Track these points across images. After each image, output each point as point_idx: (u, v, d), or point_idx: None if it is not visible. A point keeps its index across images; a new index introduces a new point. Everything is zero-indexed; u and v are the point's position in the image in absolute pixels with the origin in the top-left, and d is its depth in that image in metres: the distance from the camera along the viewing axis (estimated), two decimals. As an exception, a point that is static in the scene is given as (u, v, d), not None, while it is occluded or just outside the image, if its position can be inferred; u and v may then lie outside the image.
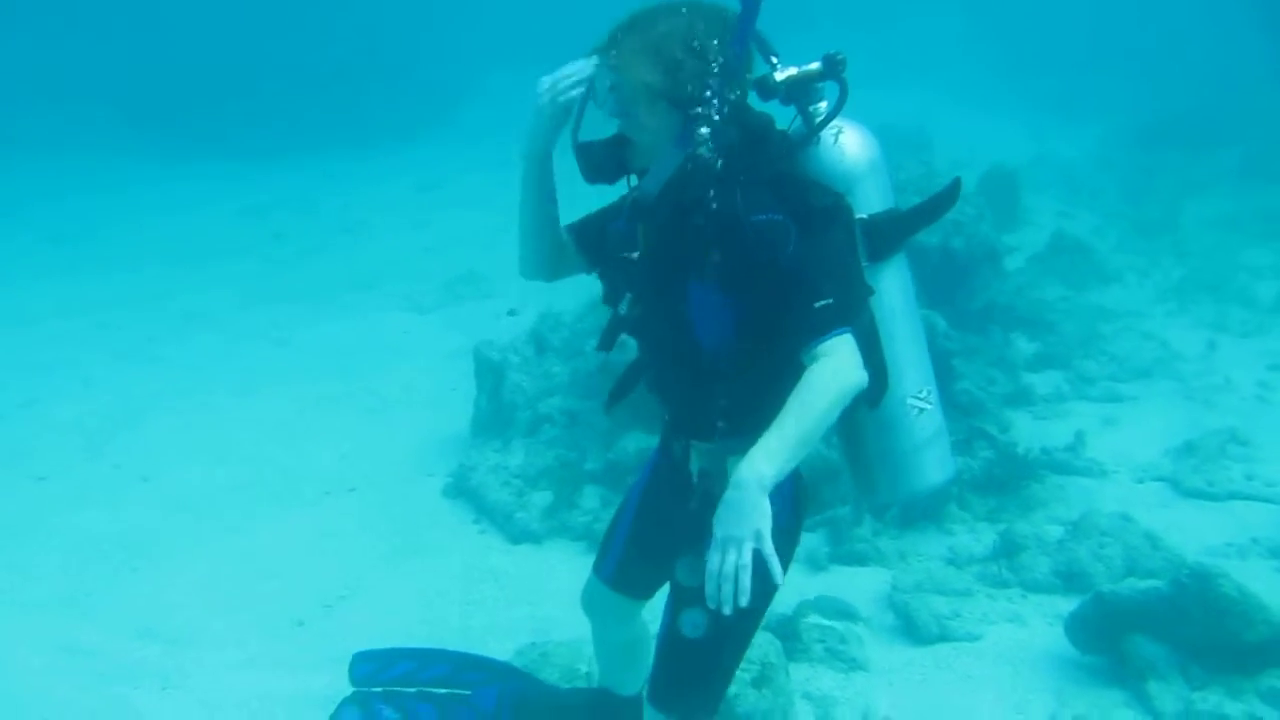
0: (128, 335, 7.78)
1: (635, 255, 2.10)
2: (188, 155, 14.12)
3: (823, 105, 2.06)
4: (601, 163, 2.06)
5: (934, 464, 2.21)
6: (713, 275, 1.97)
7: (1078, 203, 10.74)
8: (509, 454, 5.35)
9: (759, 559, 1.79)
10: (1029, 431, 5.78)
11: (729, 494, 1.81)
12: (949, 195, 2.18)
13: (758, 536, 1.78)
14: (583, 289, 2.28)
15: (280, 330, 7.96)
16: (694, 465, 2.25)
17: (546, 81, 2.05)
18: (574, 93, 2.03)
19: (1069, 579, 4.30)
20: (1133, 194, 10.62)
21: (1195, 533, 4.72)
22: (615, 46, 1.98)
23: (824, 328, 1.89)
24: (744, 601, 1.77)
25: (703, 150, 1.93)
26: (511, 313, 7.61)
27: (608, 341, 2.26)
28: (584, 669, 3.50)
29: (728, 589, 1.77)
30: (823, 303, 1.89)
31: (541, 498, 5.03)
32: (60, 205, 11.96)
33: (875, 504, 4.49)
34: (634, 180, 2.10)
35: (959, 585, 4.32)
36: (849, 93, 2.01)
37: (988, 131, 14.10)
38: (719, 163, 1.94)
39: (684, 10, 1.96)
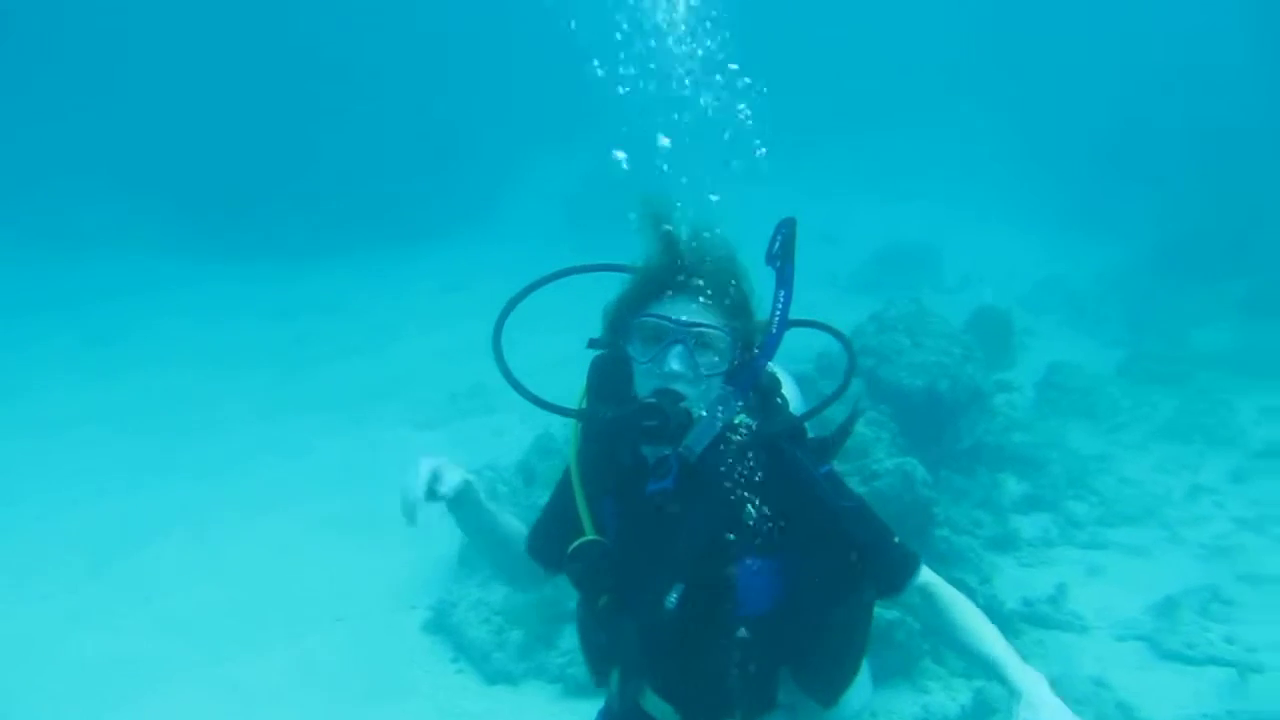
0: (145, 445, 8.06)
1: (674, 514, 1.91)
2: (234, 253, 14.48)
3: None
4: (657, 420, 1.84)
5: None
6: (767, 537, 1.90)
7: (1081, 328, 10.86)
8: (490, 589, 5.47)
9: None
10: (1013, 579, 5.82)
11: (1039, 696, 1.78)
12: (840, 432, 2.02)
13: None
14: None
15: (291, 442, 8.20)
16: None
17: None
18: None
19: (1036, 747, 4.31)
20: (1136, 323, 10.71)
21: (1171, 698, 4.72)
22: (695, 297, 1.89)
23: (914, 561, 1.93)
24: None
25: (740, 414, 1.90)
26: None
27: (594, 581, 1.98)
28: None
29: None
30: (899, 538, 1.94)
31: (520, 636, 5.13)
32: (104, 304, 12.42)
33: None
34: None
35: (926, 751, 4.36)
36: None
37: (999, 246, 14.31)
38: (754, 422, 1.93)
39: (738, 271, 1.94)
